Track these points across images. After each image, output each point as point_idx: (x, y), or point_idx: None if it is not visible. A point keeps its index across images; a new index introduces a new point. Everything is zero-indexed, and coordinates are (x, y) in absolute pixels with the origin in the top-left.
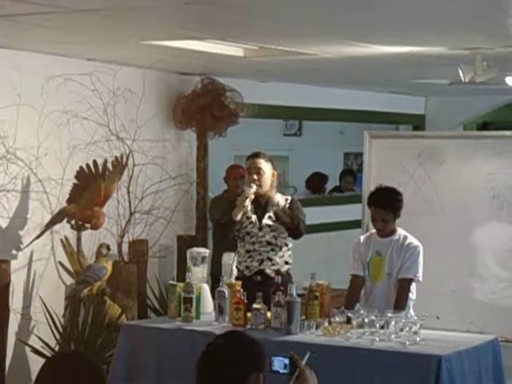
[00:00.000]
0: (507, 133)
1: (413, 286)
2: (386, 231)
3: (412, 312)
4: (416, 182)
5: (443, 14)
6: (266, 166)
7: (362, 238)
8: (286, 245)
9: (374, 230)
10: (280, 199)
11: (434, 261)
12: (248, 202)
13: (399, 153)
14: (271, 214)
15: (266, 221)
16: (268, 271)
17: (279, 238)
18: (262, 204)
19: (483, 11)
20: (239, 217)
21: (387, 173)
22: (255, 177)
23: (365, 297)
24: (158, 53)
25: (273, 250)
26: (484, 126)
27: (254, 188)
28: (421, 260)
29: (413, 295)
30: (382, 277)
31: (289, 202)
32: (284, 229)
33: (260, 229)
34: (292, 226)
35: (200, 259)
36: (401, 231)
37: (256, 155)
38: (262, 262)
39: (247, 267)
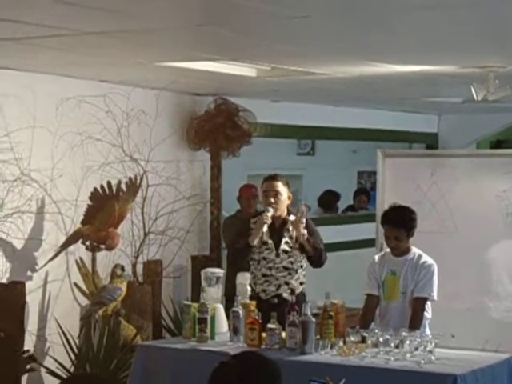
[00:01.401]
0: None
1: (428, 305)
2: (399, 250)
3: (428, 331)
4: (430, 201)
5: (455, 33)
6: (283, 190)
7: (376, 257)
8: (302, 266)
9: (388, 249)
10: (292, 220)
11: (448, 279)
12: (266, 227)
13: (412, 171)
14: (287, 239)
15: (283, 246)
16: (285, 295)
17: (296, 262)
18: (276, 227)
19: (495, 30)
20: (256, 242)
21: (401, 191)
22: (272, 200)
23: (380, 316)
24: (171, 74)
25: (289, 274)
26: (497, 143)
27: (271, 212)
28: (435, 279)
29: (428, 314)
30: (396, 296)
31: (303, 224)
32: (306, 257)
33: (277, 255)
34: (315, 256)
35: (214, 279)
36: (415, 250)
37: (274, 178)
38: (279, 286)
39: (263, 290)
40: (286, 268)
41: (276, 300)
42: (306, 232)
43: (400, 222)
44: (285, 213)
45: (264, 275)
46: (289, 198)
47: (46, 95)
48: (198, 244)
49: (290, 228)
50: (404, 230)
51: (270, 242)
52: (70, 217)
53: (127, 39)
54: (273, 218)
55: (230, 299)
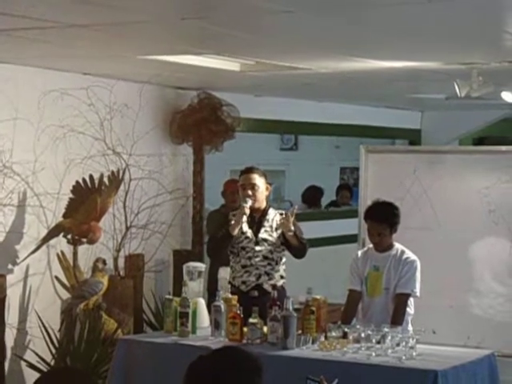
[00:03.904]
0: (503, 148)
1: (410, 301)
2: (382, 245)
3: (410, 327)
4: (412, 197)
5: (439, 29)
6: (260, 181)
7: (359, 252)
8: (281, 259)
9: (371, 245)
10: (273, 214)
11: (430, 275)
12: (245, 218)
13: (395, 167)
14: (267, 228)
15: (262, 235)
16: (265, 286)
17: (275, 252)
18: (256, 218)
19: (479, 27)
20: (236, 231)
21: (383, 187)
22: (250, 192)
23: (362, 312)
24: (155, 67)
25: (269, 264)
26: (480, 140)
27: (249, 203)
28: (418, 275)
29: (411, 310)
30: (379, 292)
31: (288, 213)
32: (288, 249)
33: (256, 243)
34: (299, 250)
35: (196, 274)
36: (398, 246)
37: (250, 170)
38: (259, 276)
39: (244, 282)
40: (265, 257)
41: (256, 293)
42: (293, 228)
43: (383, 217)
44: (264, 204)
45: (244, 266)
46: (267, 189)
47: (28, 88)
48: (180, 238)
49: (274, 221)
50: (387, 225)
51: (250, 231)
52: (52, 210)
53: (110, 32)
54: (252, 209)
55: (212, 293)
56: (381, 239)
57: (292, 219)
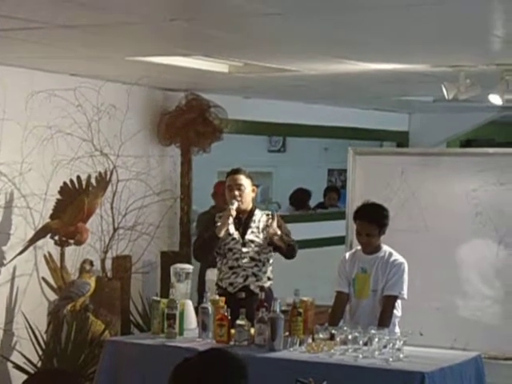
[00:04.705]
0: (490, 150)
1: (398, 303)
2: (370, 246)
3: (398, 329)
4: (400, 199)
5: (427, 32)
6: (246, 182)
7: (347, 254)
8: (268, 260)
9: (359, 247)
10: (259, 215)
11: (417, 277)
12: (231, 219)
13: (383, 169)
14: (254, 229)
15: (249, 236)
16: (252, 287)
17: (262, 253)
18: (242, 220)
19: (467, 30)
20: (223, 233)
21: (371, 189)
22: (236, 193)
23: (350, 314)
24: (143, 69)
25: (257, 265)
26: (467, 143)
27: (235, 204)
28: (406, 277)
29: (398, 312)
30: (367, 294)
31: (271, 218)
32: (277, 251)
33: (243, 245)
34: (288, 252)
35: (184, 275)
36: (386, 248)
37: (236, 171)
38: (246, 278)
39: (231, 284)
40: (252, 259)
41: (244, 294)
42: (279, 232)
43: (373, 218)
44: (250, 206)
45: (231, 267)
46: (253, 190)
47: (15, 88)
48: (167, 240)
49: (260, 222)
50: (376, 226)
51: (236, 233)
52: (39, 211)
53: (98, 33)
54: (238, 211)
55: (202, 295)
56: (369, 240)
57: (275, 225)
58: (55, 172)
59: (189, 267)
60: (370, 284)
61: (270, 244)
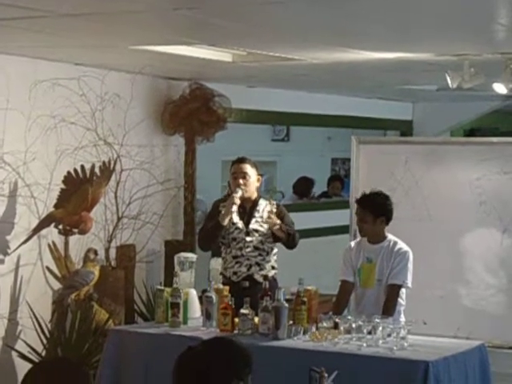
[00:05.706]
0: (494, 139)
1: (402, 292)
2: (365, 233)
3: (402, 318)
4: (403, 188)
5: (431, 20)
6: (251, 171)
7: (352, 243)
8: (272, 249)
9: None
10: (263, 204)
11: (421, 266)
12: (235, 208)
13: (387, 158)
14: (258, 218)
15: (253, 225)
16: (256, 276)
17: (266, 242)
18: (247, 209)
19: (471, 18)
20: (226, 221)
21: (375, 178)
22: (241, 181)
23: (355, 303)
24: (147, 58)
25: (260, 254)
26: (471, 132)
27: (239, 193)
28: (410, 266)
29: (403, 301)
30: (372, 283)
31: (274, 208)
32: (277, 241)
33: (247, 234)
34: (288, 241)
35: (188, 264)
36: (391, 237)
37: (241, 160)
38: (250, 267)
39: (235, 273)
40: (256, 248)
41: (247, 283)
42: (278, 222)
43: (366, 204)
44: (254, 195)
45: (235, 257)
46: (258, 180)
47: (19, 77)
48: (171, 229)
49: (264, 211)
50: (370, 212)
51: (240, 222)
52: (43, 200)
53: (102, 22)
54: (243, 200)
55: None
56: (362, 225)
57: (273, 216)
58: (59, 161)
59: (192, 256)
60: (376, 274)
61: (274, 237)
